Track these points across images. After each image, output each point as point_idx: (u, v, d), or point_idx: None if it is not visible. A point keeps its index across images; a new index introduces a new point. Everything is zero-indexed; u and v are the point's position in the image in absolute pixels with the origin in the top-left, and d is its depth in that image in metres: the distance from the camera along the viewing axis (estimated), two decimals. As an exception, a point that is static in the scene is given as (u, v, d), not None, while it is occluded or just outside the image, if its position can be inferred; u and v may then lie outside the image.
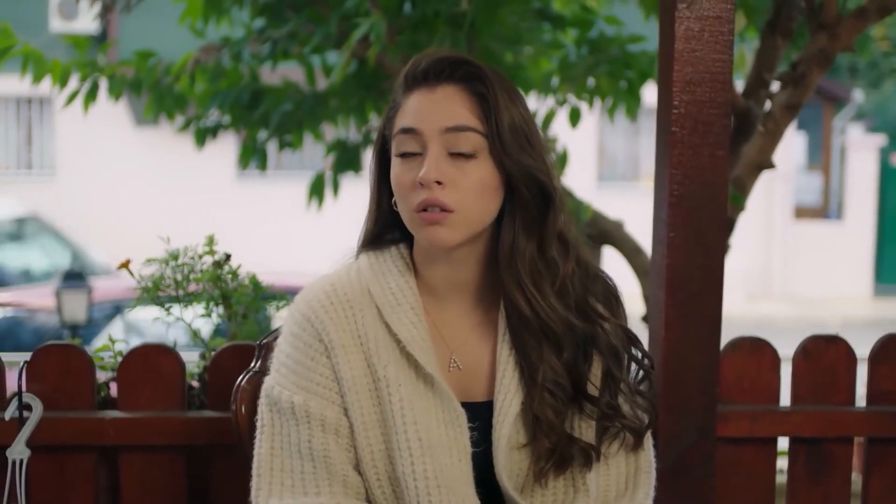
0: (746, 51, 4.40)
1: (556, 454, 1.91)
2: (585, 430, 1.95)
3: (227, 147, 15.04)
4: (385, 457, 1.88)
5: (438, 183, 1.82)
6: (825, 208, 18.83)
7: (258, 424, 1.93)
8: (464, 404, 1.90)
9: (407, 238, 1.96)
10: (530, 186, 1.87)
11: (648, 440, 2.04)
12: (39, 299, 8.44)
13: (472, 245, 1.91)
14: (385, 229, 1.98)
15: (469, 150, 1.84)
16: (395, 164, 1.88)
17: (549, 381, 1.90)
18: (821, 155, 19.06)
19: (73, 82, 4.26)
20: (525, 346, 1.91)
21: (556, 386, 1.91)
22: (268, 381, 1.94)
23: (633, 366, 2.01)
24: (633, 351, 2.00)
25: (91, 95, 4.29)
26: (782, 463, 2.71)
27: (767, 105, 3.45)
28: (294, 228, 15.70)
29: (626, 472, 2.01)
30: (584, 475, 1.94)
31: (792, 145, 16.74)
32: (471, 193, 1.84)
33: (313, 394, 1.89)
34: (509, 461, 1.91)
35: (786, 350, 2.65)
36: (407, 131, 1.86)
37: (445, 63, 1.87)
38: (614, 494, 1.99)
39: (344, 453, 1.88)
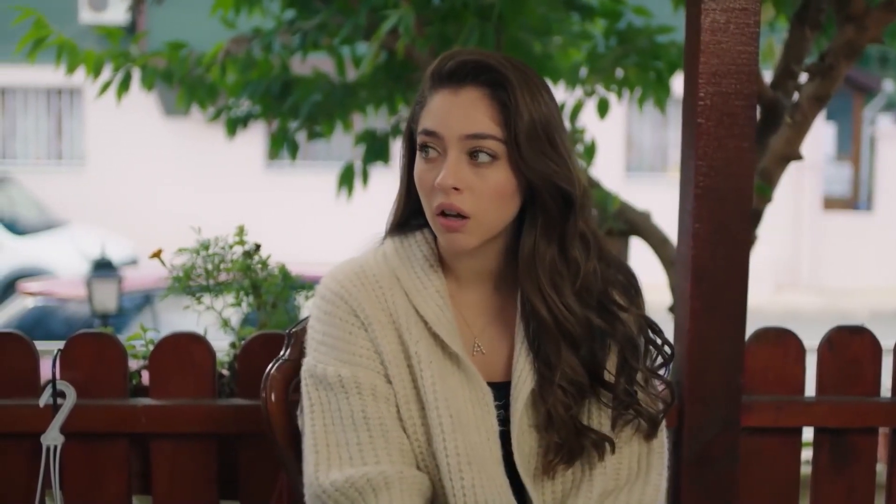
0: (776, 42, 4.40)
1: (566, 449, 1.93)
2: (603, 420, 1.97)
3: (256, 137, 15.08)
4: (424, 431, 1.91)
5: (456, 189, 1.85)
6: (854, 199, 18.72)
7: (305, 405, 1.93)
8: (487, 384, 1.93)
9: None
10: (551, 192, 1.89)
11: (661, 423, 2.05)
12: (70, 289, 8.50)
13: (492, 241, 1.93)
14: (412, 215, 2.01)
15: (487, 159, 1.86)
16: (418, 161, 1.91)
17: (566, 379, 1.93)
18: (850, 145, 18.95)
19: (106, 73, 4.29)
20: (544, 347, 1.93)
21: (571, 384, 1.93)
22: (307, 363, 1.95)
23: (654, 353, 2.03)
24: (653, 337, 2.02)
25: (124, 85, 4.32)
26: (806, 454, 2.71)
27: (795, 96, 3.46)
28: (323, 219, 15.73)
29: (638, 452, 2.01)
30: (602, 461, 1.97)
31: (821, 136, 16.64)
32: (487, 199, 1.86)
33: (359, 366, 1.90)
34: (525, 440, 1.93)
35: (814, 341, 2.66)
36: (428, 133, 1.88)
37: (470, 66, 1.87)
38: (626, 474, 2.00)
39: (397, 422, 1.90)
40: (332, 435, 1.90)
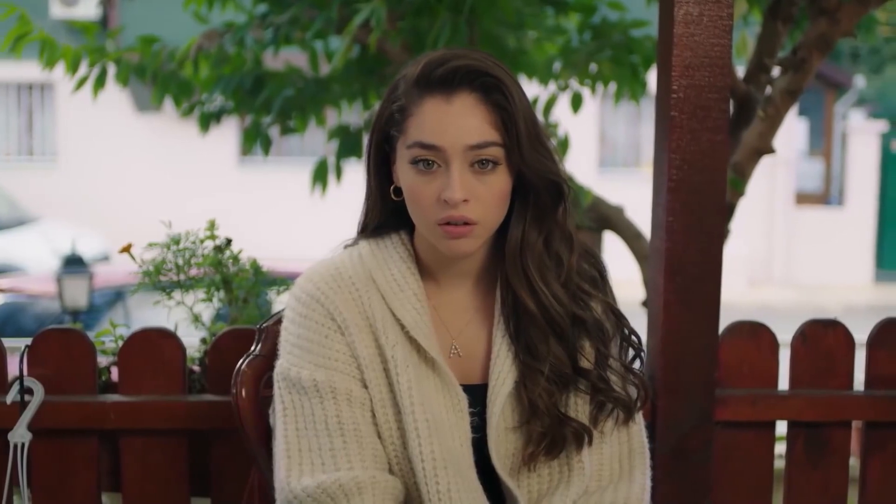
0: (749, 36, 4.40)
1: (548, 438, 1.92)
2: (581, 407, 1.97)
3: (228, 133, 15.07)
4: (400, 435, 1.90)
5: (464, 201, 1.82)
6: (826, 194, 18.80)
7: (278, 409, 1.92)
8: (463, 387, 1.92)
9: (407, 225, 1.96)
10: (546, 186, 1.89)
11: (640, 420, 2.05)
12: (40, 285, 8.44)
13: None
14: (386, 221, 1.99)
15: (491, 166, 1.83)
16: (411, 174, 1.86)
17: (552, 369, 1.92)
18: (822, 141, 19.02)
19: (82, 68, 4.26)
20: (528, 340, 1.93)
21: (555, 373, 1.93)
22: (281, 366, 1.93)
23: (623, 343, 2.02)
24: (620, 324, 2.02)
25: (100, 81, 4.28)
26: (780, 447, 2.72)
27: (768, 90, 3.46)
28: (296, 214, 15.70)
29: (619, 453, 2.01)
30: (579, 454, 1.96)
31: (793, 131, 16.69)
32: (493, 205, 1.85)
33: (334, 370, 1.89)
34: (502, 442, 1.93)
35: (788, 336, 2.66)
36: (426, 146, 1.83)
37: (463, 71, 1.83)
38: (608, 474, 2.00)
39: (371, 427, 1.89)
40: (305, 440, 1.88)
